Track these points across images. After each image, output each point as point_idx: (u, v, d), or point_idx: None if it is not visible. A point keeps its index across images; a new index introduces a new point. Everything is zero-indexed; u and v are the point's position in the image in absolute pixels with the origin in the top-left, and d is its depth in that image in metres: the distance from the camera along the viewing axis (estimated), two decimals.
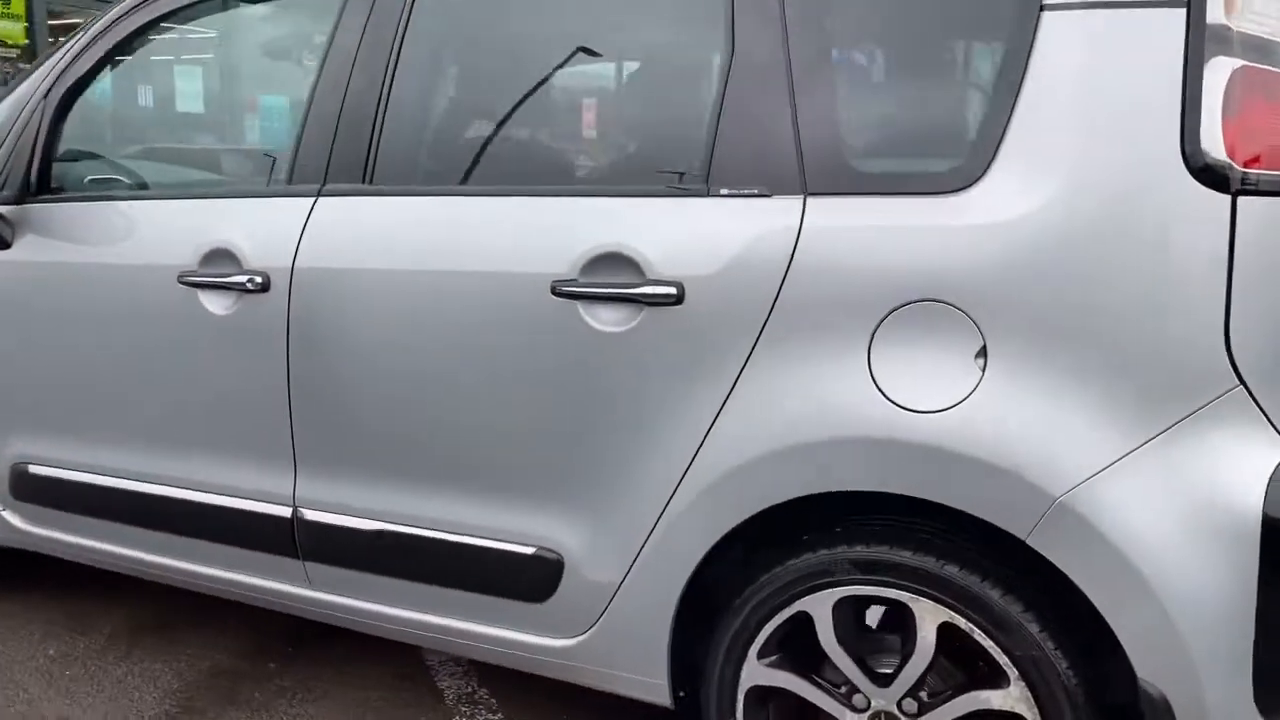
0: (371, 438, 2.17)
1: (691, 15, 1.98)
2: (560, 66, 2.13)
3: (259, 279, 2.20)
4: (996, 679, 1.75)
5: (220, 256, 2.27)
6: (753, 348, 1.81)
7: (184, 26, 2.55)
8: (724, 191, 1.86)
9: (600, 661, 2.06)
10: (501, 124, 2.17)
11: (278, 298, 2.20)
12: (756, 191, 1.83)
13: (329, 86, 2.22)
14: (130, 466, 2.48)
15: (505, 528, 2.08)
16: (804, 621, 1.87)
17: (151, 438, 2.45)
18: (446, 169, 2.24)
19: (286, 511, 2.29)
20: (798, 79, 1.82)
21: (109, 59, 2.53)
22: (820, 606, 1.84)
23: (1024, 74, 1.67)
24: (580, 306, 1.92)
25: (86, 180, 2.65)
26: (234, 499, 2.36)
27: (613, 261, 1.90)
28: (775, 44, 1.84)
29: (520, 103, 2.14)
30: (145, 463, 2.46)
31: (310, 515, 2.27)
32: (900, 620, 1.83)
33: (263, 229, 2.25)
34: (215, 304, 2.28)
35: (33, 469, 2.64)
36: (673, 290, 1.84)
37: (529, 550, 2.06)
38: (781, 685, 1.91)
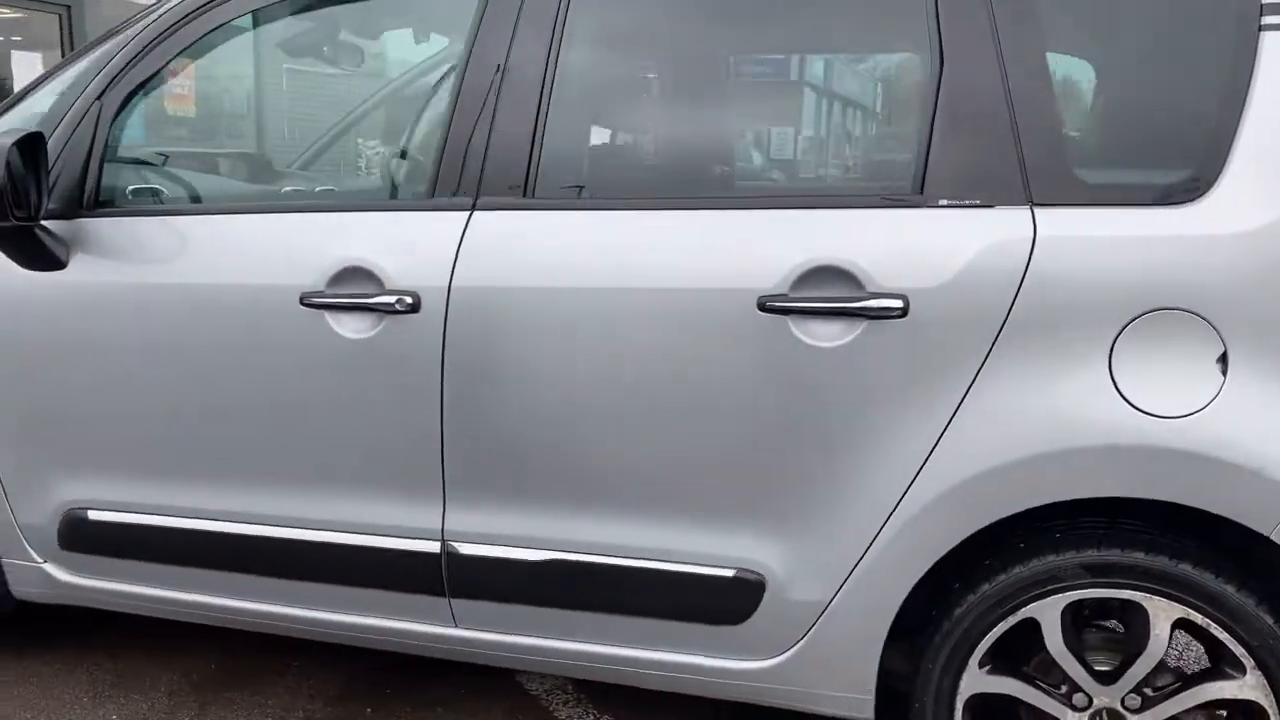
0: (544, 464, 2.05)
1: (896, 22, 1.95)
2: (751, 73, 2.06)
3: (409, 299, 2.04)
4: (1224, 669, 1.82)
5: (354, 275, 2.09)
6: (984, 359, 1.82)
7: (274, 24, 2.32)
8: (943, 202, 1.85)
9: (800, 681, 2.02)
10: (687, 134, 2.08)
11: (430, 319, 2.04)
12: (979, 202, 1.84)
13: (474, 95, 2.07)
14: (230, 507, 2.26)
15: (699, 550, 2.01)
16: (1021, 627, 1.89)
17: (259, 474, 2.23)
18: (624, 182, 2.14)
19: (434, 546, 2.14)
20: (1014, 88, 1.83)
21: (182, 57, 2.28)
22: (1049, 611, 1.86)
23: (1249, 87, 1.74)
24: (790, 322, 1.88)
25: (148, 192, 2.39)
26: (366, 536, 2.18)
27: (827, 275, 1.87)
28: (987, 53, 1.85)
29: (709, 112, 2.07)
30: (250, 502, 2.24)
31: (465, 549, 2.12)
32: (1122, 618, 1.88)
33: (407, 245, 2.08)
34: (348, 327, 2.09)
35: (93, 515, 2.36)
36: (899, 303, 1.82)
37: (728, 572, 2.00)
38: (1003, 691, 1.93)
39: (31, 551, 2.45)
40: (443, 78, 2.26)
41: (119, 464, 2.33)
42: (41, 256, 2.27)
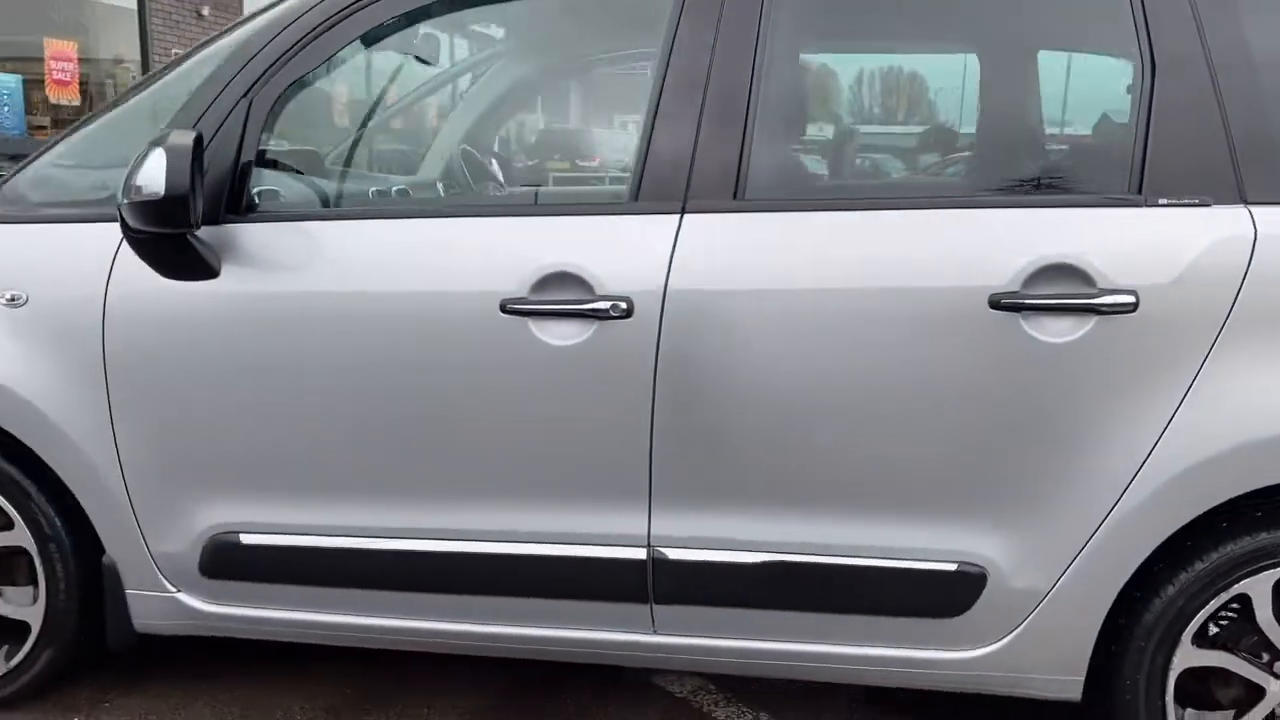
0: (762, 466, 2.04)
1: (1104, 23, 2.01)
2: (965, 72, 2.09)
3: (623, 304, 2.00)
4: None
5: (560, 281, 2.03)
6: (1208, 352, 1.91)
7: (450, 21, 2.22)
8: (1163, 201, 1.93)
9: (1013, 667, 2.08)
10: (905, 133, 2.10)
11: (644, 323, 2.01)
12: (1197, 201, 1.92)
13: (679, 98, 2.04)
14: (412, 524, 2.16)
15: (921, 546, 2.04)
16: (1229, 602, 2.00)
17: (445, 487, 2.14)
18: (839, 182, 2.13)
19: (640, 553, 2.11)
20: (1224, 88, 1.92)
21: (348, 51, 2.15)
22: (1261, 586, 1.97)
23: None
24: (1021, 319, 1.93)
25: (306, 194, 2.25)
26: (563, 546, 2.13)
27: (1058, 272, 1.92)
28: (1195, 53, 1.93)
29: (925, 110, 2.09)
30: (434, 518, 2.15)
31: (673, 554, 2.10)
32: None
33: (617, 249, 2.04)
34: (553, 334, 2.03)
35: (246, 539, 2.22)
36: (1131, 299, 1.89)
37: (950, 566, 2.04)
38: (1213, 665, 2.04)
39: (164, 580, 2.29)
40: (627, 79, 2.21)
41: (277, 484, 2.20)
42: (194, 266, 2.11)
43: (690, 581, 2.11)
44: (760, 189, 2.04)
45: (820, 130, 2.15)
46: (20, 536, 2.31)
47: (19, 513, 2.30)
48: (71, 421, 2.21)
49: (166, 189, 1.93)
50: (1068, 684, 2.08)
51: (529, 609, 2.20)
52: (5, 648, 2.40)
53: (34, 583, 2.35)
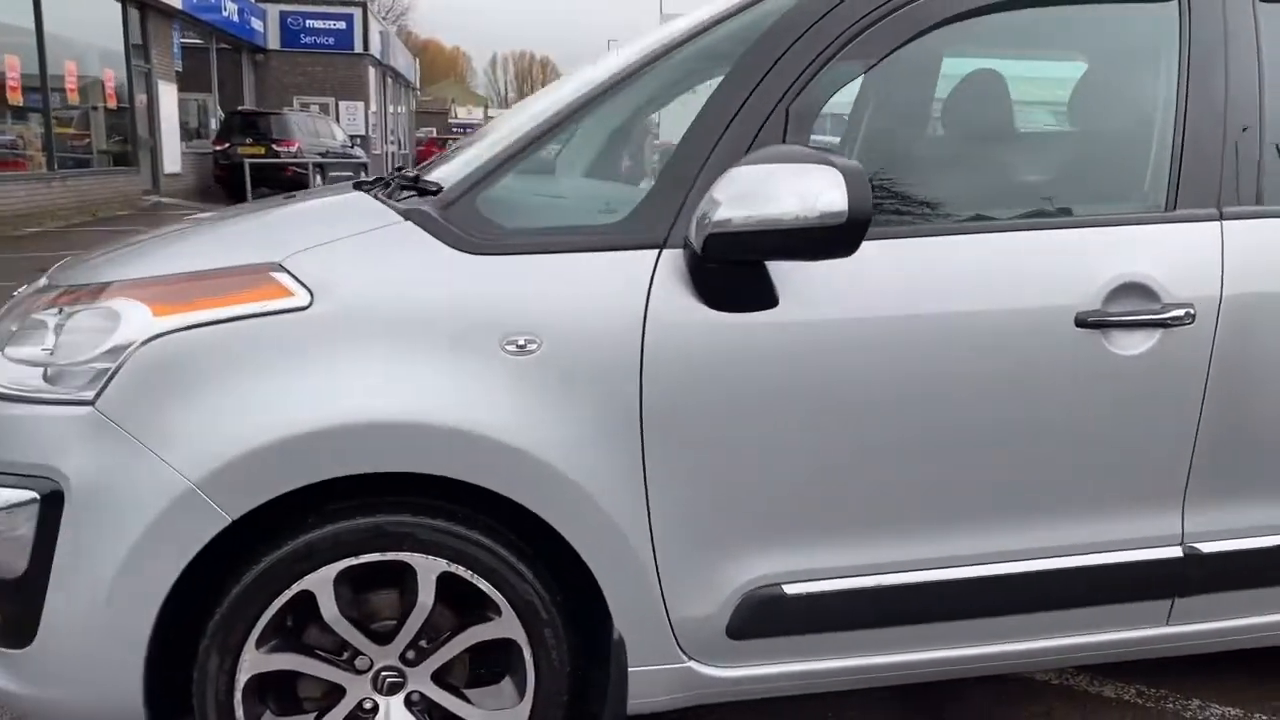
0: None
1: None
2: None
3: (1191, 310, 2.06)
4: None
5: (1129, 291, 2.05)
6: None
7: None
8: None
9: None
10: None
11: (1203, 328, 2.08)
12: None
13: (1204, 107, 2.12)
14: (970, 550, 2.08)
15: None
16: None
17: (1006, 509, 2.08)
18: None
19: (1175, 551, 2.18)
20: None
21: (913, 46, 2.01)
22: None
23: None
24: None
25: None
26: (1098, 555, 2.15)
27: None
28: None
29: None
30: (990, 541, 2.09)
31: (1206, 548, 2.19)
32: None
33: (1174, 257, 2.08)
34: (1121, 344, 2.05)
35: (790, 589, 2.03)
36: None
37: None
38: None
39: (679, 650, 2.03)
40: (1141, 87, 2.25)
41: (829, 526, 2.03)
42: (763, 294, 1.90)
43: (1216, 572, 2.22)
44: (1276, 193, 2.17)
45: None
46: (509, 627, 1.94)
47: (506, 598, 1.93)
48: (595, 480, 1.90)
49: (851, 213, 1.73)
50: None
51: (1048, 622, 2.20)
52: None
53: (510, 677, 1.99)
